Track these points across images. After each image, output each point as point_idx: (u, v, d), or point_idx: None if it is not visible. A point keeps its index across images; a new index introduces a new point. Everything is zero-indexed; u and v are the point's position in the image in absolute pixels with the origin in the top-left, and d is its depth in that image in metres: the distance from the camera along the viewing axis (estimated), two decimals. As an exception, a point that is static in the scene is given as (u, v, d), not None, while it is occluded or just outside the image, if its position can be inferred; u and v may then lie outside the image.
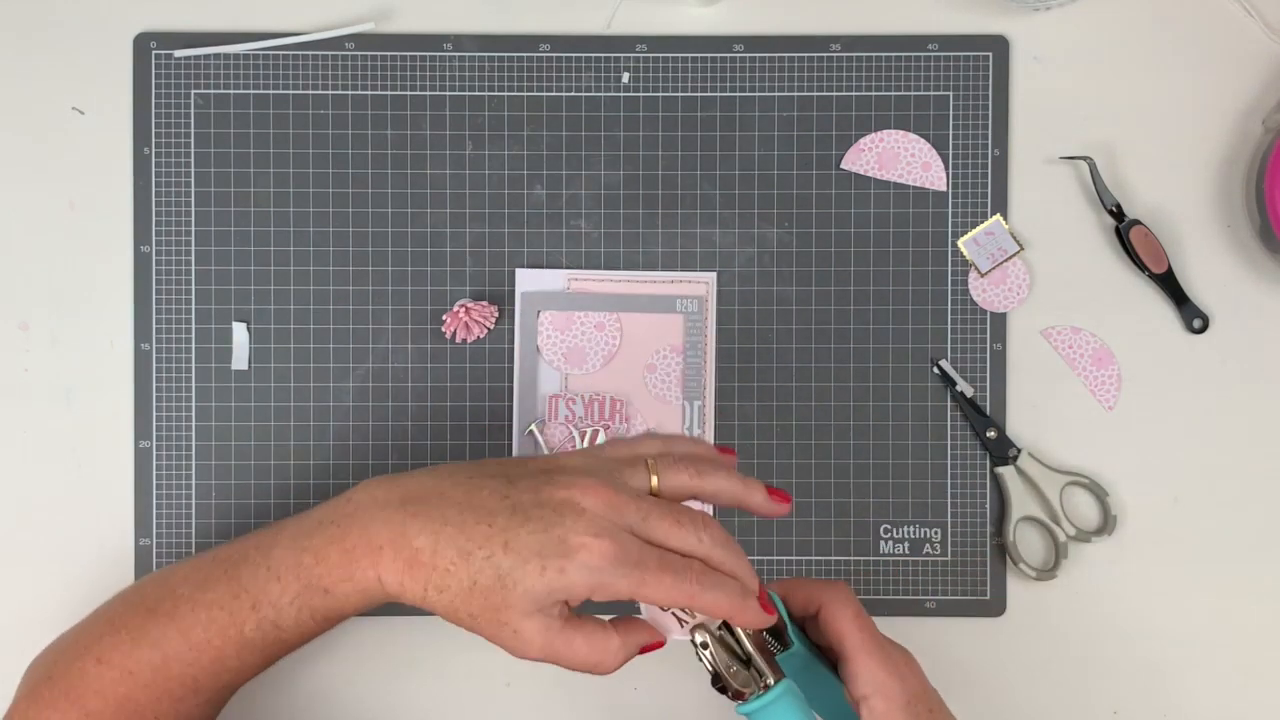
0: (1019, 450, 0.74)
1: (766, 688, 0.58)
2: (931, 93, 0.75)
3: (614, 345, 0.75)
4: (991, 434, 0.74)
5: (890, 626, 0.74)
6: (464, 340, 0.74)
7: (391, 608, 0.74)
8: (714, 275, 0.75)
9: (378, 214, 0.75)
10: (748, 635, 0.58)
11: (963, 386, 0.74)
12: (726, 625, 0.58)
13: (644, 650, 0.59)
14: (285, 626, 0.61)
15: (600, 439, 0.74)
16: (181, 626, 0.62)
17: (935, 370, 0.74)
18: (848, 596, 0.61)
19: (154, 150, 0.75)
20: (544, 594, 0.55)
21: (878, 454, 0.75)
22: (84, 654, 0.63)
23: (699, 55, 0.75)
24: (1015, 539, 0.74)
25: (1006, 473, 0.74)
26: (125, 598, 0.66)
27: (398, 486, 0.59)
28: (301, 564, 0.60)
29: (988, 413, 0.74)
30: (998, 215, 0.75)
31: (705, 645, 0.58)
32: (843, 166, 0.75)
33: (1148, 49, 0.75)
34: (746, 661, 0.58)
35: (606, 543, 0.55)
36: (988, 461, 0.75)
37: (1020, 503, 0.74)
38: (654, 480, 0.58)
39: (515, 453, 0.74)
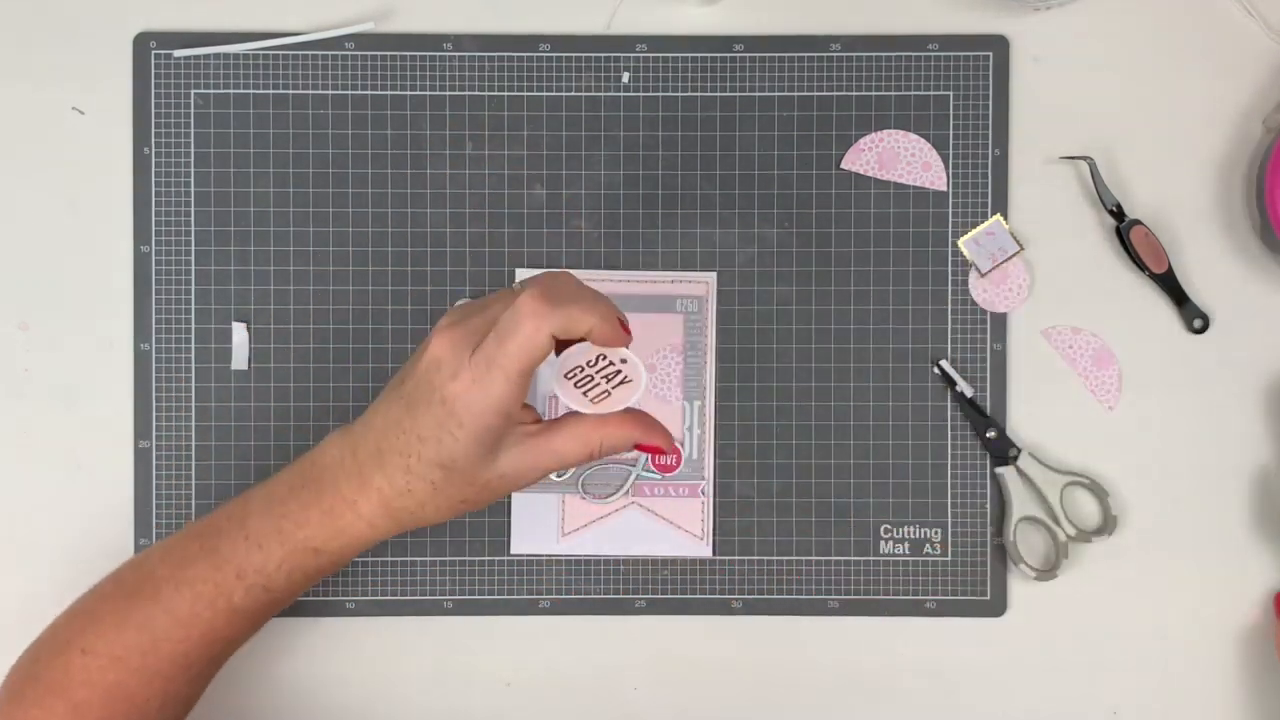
0: (1019, 450, 0.74)
1: None
2: (931, 93, 0.75)
3: (614, 345, 0.75)
4: (991, 434, 0.74)
5: (890, 626, 0.75)
6: (464, 340, 0.74)
7: (394, 608, 0.75)
8: (714, 275, 0.75)
9: (378, 214, 0.75)
10: None
11: (963, 386, 0.74)
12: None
13: (640, 448, 0.61)
14: (276, 589, 0.62)
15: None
16: (167, 606, 0.62)
17: (935, 370, 0.74)
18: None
19: (154, 150, 0.75)
20: (476, 446, 0.58)
21: (878, 454, 0.75)
22: (66, 648, 0.64)
23: (699, 55, 0.75)
24: (1015, 539, 0.74)
25: (1006, 473, 0.74)
26: (100, 589, 0.66)
27: (349, 436, 0.62)
28: (282, 530, 0.61)
29: (988, 413, 0.74)
30: (998, 215, 0.75)
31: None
32: (843, 166, 0.75)
33: (1148, 49, 0.75)
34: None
35: (466, 376, 0.57)
36: (988, 461, 0.75)
37: (1020, 503, 0.74)
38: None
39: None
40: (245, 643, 0.66)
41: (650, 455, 0.66)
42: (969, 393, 0.74)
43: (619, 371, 0.60)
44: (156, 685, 0.63)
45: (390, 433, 0.60)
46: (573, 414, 0.60)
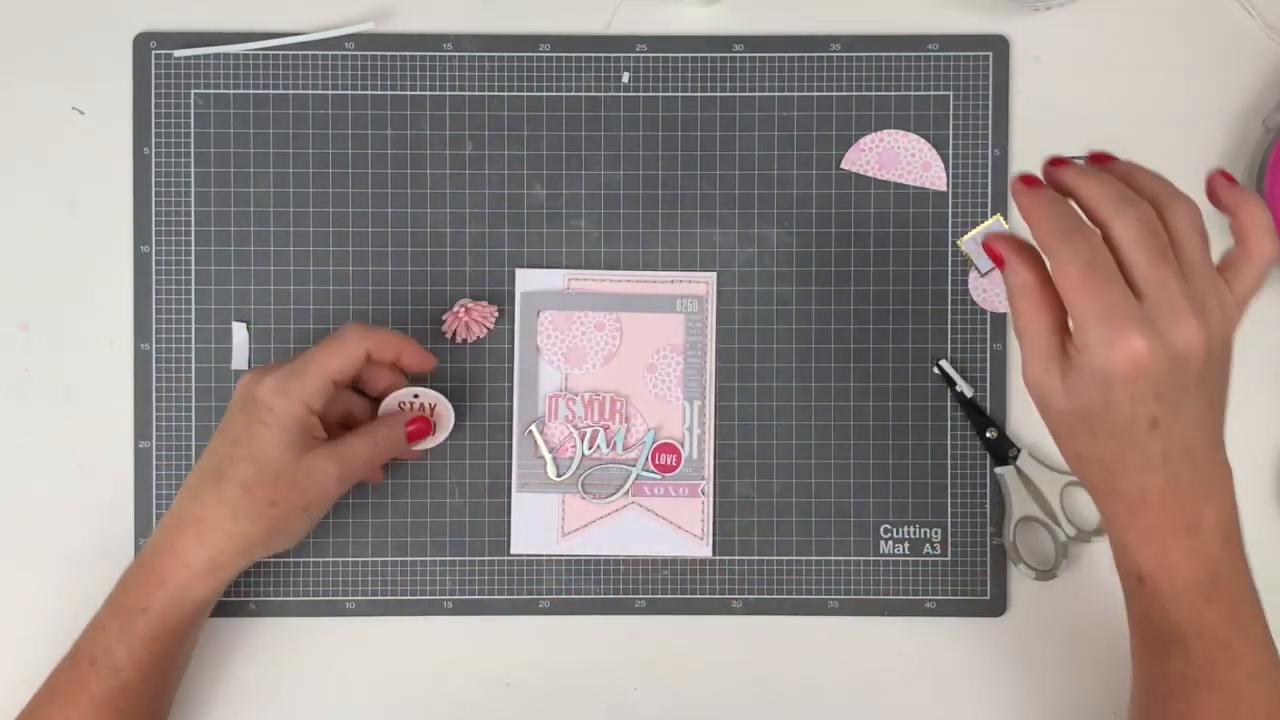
0: (1019, 450, 0.74)
1: None
2: (931, 93, 0.75)
3: (614, 345, 0.75)
4: (991, 434, 0.74)
5: (890, 626, 0.75)
6: (464, 340, 0.74)
7: (394, 608, 0.74)
8: (714, 275, 0.75)
9: (378, 214, 0.75)
10: None
11: (963, 387, 0.74)
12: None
13: (412, 439, 0.70)
14: (121, 666, 0.64)
15: (600, 439, 0.74)
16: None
17: (935, 370, 0.74)
18: None
19: (154, 150, 0.75)
20: (283, 434, 0.65)
21: (878, 454, 0.75)
22: None
23: (699, 55, 0.75)
24: (1015, 539, 0.74)
25: (1006, 473, 0.74)
26: None
27: (172, 509, 0.68)
28: (116, 602, 0.66)
29: (988, 412, 0.74)
30: (998, 215, 0.75)
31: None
32: (843, 166, 0.75)
33: (1148, 49, 0.75)
34: None
35: (269, 372, 0.66)
36: (988, 461, 0.75)
37: (1020, 503, 0.74)
38: None
39: (515, 453, 0.74)
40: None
41: (420, 439, 0.72)
42: (969, 393, 0.74)
43: (433, 409, 0.71)
44: None
45: (204, 461, 0.66)
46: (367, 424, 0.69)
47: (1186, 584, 0.57)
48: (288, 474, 0.64)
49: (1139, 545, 0.57)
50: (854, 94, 0.75)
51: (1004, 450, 0.74)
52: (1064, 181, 0.55)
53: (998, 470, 0.74)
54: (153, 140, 0.75)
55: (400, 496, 0.74)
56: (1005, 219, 0.74)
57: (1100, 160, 0.57)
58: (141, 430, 0.74)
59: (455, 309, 0.74)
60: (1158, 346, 0.52)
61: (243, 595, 0.74)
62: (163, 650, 0.66)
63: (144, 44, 0.75)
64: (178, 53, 0.74)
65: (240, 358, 0.74)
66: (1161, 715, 0.61)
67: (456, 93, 0.75)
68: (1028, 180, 0.55)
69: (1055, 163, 0.56)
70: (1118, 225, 0.52)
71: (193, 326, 0.74)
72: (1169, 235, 0.53)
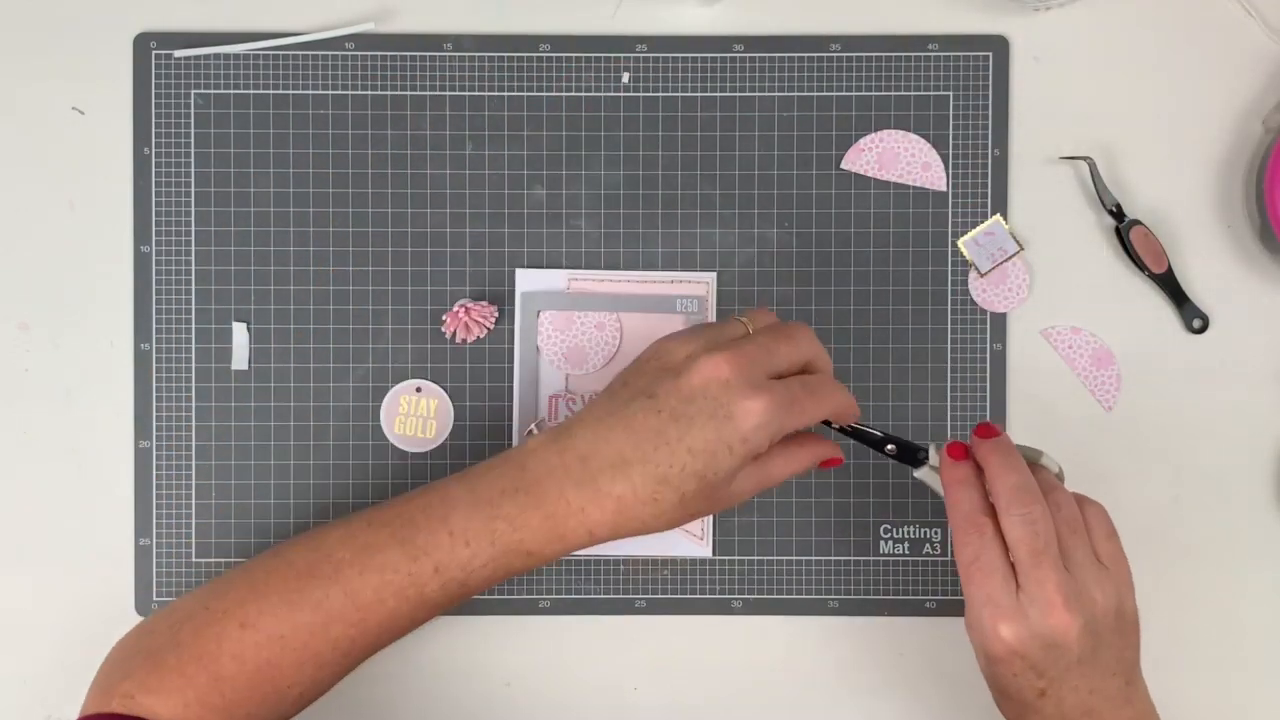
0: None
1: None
2: (931, 93, 0.75)
3: (614, 345, 0.75)
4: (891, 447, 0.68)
5: (890, 626, 0.75)
6: (464, 340, 0.74)
7: (391, 608, 0.74)
8: (714, 275, 0.75)
9: (378, 214, 0.75)
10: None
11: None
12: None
13: (824, 465, 0.66)
14: (473, 586, 0.63)
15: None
16: (348, 588, 0.61)
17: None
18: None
19: (154, 150, 0.75)
20: (740, 465, 0.60)
21: (878, 454, 0.75)
22: (223, 619, 0.61)
23: (699, 55, 0.75)
24: (1015, 539, 0.74)
25: (1006, 473, 0.74)
26: (264, 564, 0.64)
27: (568, 448, 0.62)
28: (495, 531, 0.61)
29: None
30: (998, 215, 0.75)
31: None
32: (843, 166, 0.75)
33: (1148, 49, 0.75)
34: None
35: (764, 396, 0.59)
36: (988, 461, 0.75)
37: (1020, 503, 0.74)
38: (749, 328, 0.63)
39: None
40: (404, 637, 0.65)
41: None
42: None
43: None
44: (308, 671, 0.62)
45: (645, 444, 0.60)
46: (783, 440, 0.62)
47: None
48: (721, 493, 0.61)
49: None
50: (854, 94, 0.75)
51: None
52: (980, 457, 0.62)
53: (998, 470, 0.74)
54: (153, 140, 0.75)
55: (400, 496, 0.74)
56: (1005, 219, 0.74)
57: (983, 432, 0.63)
58: (141, 430, 0.74)
59: (455, 309, 0.74)
60: (1027, 636, 0.58)
61: (243, 595, 0.74)
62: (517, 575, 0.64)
63: (144, 44, 0.75)
64: (178, 53, 0.74)
65: (240, 358, 0.74)
66: None
67: (456, 93, 0.75)
68: (954, 452, 0.64)
69: (982, 431, 0.63)
70: (1005, 521, 0.60)
71: (193, 326, 0.74)
72: (1057, 525, 0.60)
